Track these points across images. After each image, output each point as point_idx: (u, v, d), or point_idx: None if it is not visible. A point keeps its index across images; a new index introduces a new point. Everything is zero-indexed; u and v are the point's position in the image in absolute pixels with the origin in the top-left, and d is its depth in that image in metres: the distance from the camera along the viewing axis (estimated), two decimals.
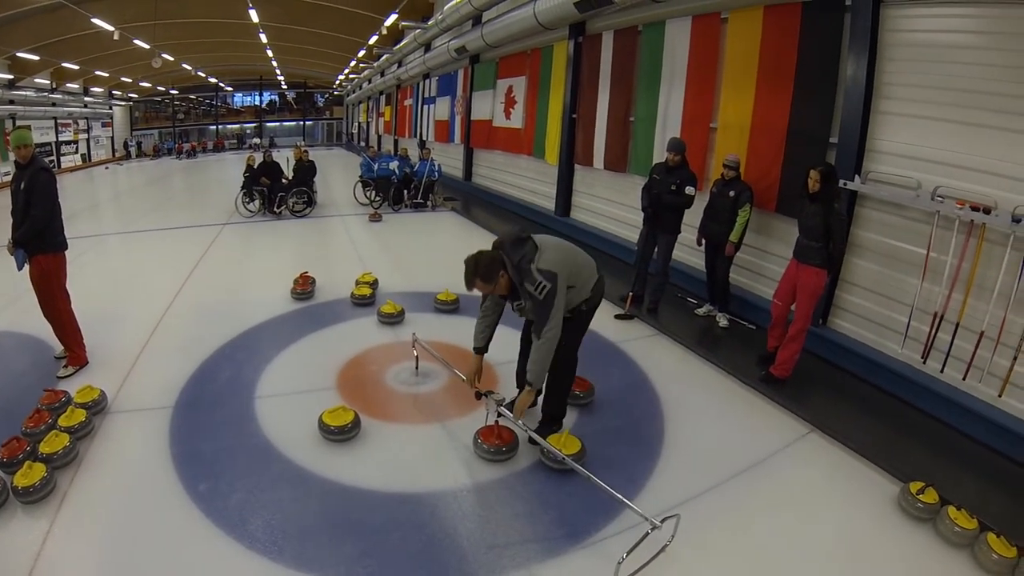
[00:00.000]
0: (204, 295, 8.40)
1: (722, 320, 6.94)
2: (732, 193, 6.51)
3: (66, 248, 5.93)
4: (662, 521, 3.32)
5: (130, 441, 4.87)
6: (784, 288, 5.60)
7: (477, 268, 4.07)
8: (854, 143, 5.88)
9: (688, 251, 8.09)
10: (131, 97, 47.90)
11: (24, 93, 28.15)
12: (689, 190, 6.84)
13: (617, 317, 7.10)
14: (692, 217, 7.20)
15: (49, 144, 31.58)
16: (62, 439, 4.56)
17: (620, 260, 9.29)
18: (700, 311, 7.26)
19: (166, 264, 10.11)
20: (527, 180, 14.02)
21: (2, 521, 3.93)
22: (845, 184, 5.77)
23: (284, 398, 5.46)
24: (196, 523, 3.88)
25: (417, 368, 5.71)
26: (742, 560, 3.53)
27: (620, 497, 3.57)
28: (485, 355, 4.67)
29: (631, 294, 7.28)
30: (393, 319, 6.99)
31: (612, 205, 10.36)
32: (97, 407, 5.22)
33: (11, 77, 26.69)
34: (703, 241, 6.98)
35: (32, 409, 5.03)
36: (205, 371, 6.00)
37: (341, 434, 4.64)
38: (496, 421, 4.41)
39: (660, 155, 7.62)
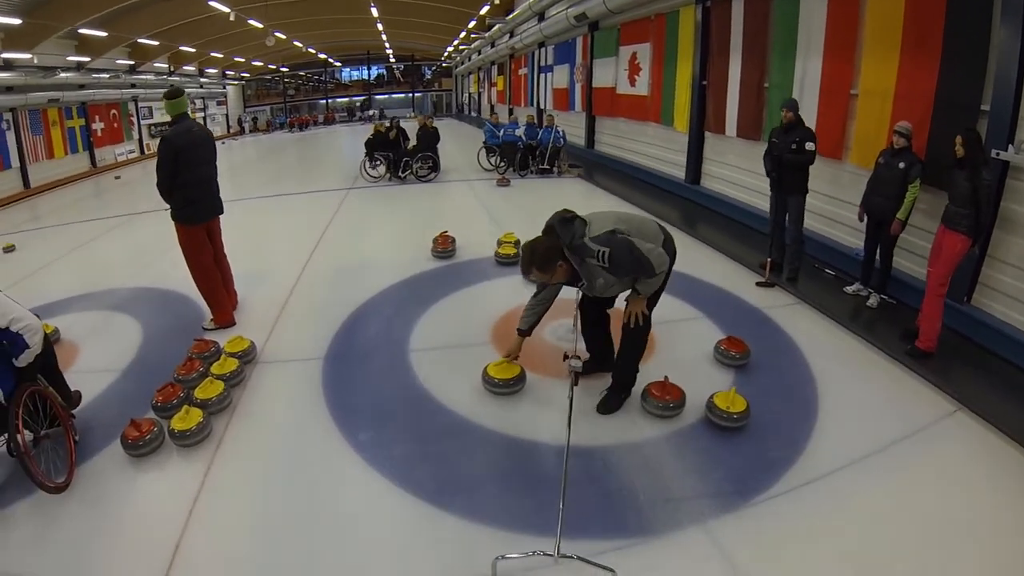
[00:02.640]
0: (339, 254, 8.86)
1: (872, 300, 6.61)
2: (902, 165, 6.04)
3: (198, 221, 6.15)
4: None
5: (283, 390, 5.16)
6: (935, 255, 5.47)
7: (533, 257, 4.02)
8: (1007, 111, 5.60)
9: (827, 222, 8.09)
10: (243, 76, 50.56)
11: (145, 77, 30.32)
12: (809, 146, 6.75)
13: (758, 284, 7.21)
14: (850, 193, 7.09)
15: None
16: (217, 386, 4.82)
17: (754, 229, 9.31)
18: (849, 289, 6.91)
19: (298, 226, 10.77)
20: (654, 148, 14.02)
21: (159, 462, 4.25)
22: (998, 154, 5.59)
23: (439, 351, 5.69)
24: (362, 472, 4.08)
25: (576, 325, 5.26)
26: (890, 532, 3.48)
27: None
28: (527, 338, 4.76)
29: (769, 260, 7.33)
30: None
31: (745, 174, 10.29)
32: (247, 357, 5.53)
33: (132, 63, 28.71)
34: (865, 216, 6.57)
35: (183, 357, 5.39)
36: (352, 325, 6.32)
37: (506, 387, 4.80)
38: (573, 385, 4.23)
39: None
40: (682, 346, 5.68)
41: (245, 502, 3.90)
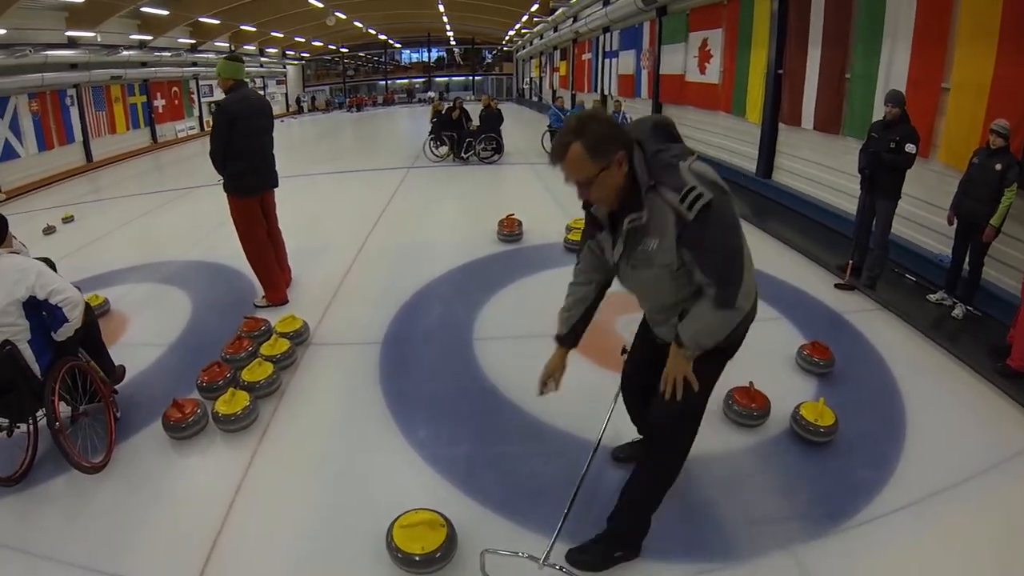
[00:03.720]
0: (399, 233, 8.68)
1: (958, 311, 6.12)
2: (999, 167, 5.57)
3: (251, 193, 5.94)
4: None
5: (337, 375, 4.88)
6: None
7: (581, 128, 2.30)
8: None
9: (911, 225, 7.59)
10: (303, 56, 51.65)
11: (206, 56, 30.82)
12: (909, 148, 6.18)
13: (837, 286, 6.80)
14: (936, 194, 6.69)
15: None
16: (266, 368, 4.54)
17: (829, 228, 8.90)
18: (932, 298, 6.46)
19: (356, 203, 10.74)
20: (723, 138, 13.59)
21: (201, 447, 4.04)
22: None
23: (507, 342, 5.33)
24: (419, 472, 3.75)
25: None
26: (989, 567, 3.13)
27: None
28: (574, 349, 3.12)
29: (850, 263, 6.91)
30: None
31: (821, 169, 9.82)
32: (300, 338, 5.23)
33: (193, 41, 29.42)
34: (954, 220, 6.09)
35: (232, 336, 5.18)
36: (412, 309, 6.02)
37: (422, 568, 3.01)
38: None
39: (879, 116, 7.06)
40: (762, 348, 5.13)
41: (291, 494, 3.66)
